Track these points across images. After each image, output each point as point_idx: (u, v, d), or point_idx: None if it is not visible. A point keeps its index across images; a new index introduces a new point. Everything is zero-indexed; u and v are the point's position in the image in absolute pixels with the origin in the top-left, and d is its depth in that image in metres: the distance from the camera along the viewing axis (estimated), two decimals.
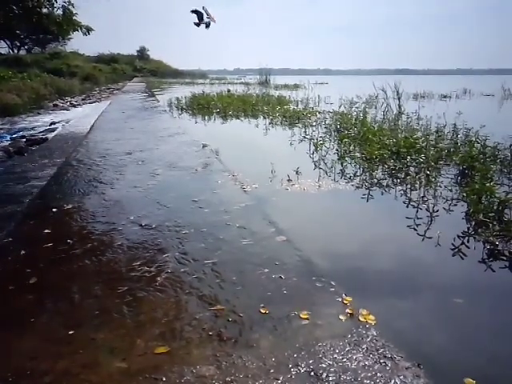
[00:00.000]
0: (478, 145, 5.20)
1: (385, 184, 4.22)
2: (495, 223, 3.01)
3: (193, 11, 8.97)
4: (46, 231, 2.78)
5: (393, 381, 1.42)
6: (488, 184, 3.50)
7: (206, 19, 8.80)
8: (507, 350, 1.85)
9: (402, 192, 3.96)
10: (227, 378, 1.42)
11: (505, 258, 2.63)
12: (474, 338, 1.93)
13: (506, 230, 2.86)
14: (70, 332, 1.69)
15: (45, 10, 14.04)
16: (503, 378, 1.68)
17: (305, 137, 6.99)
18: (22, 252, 2.46)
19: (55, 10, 14.10)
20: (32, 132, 9.42)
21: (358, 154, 5.26)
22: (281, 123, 8.86)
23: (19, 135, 8.83)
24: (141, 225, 2.88)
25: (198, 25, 9.05)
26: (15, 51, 28.73)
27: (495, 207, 3.21)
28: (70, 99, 18.55)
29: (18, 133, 9.20)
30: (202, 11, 8.78)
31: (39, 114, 13.38)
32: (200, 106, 11.63)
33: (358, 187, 4.12)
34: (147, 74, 42.61)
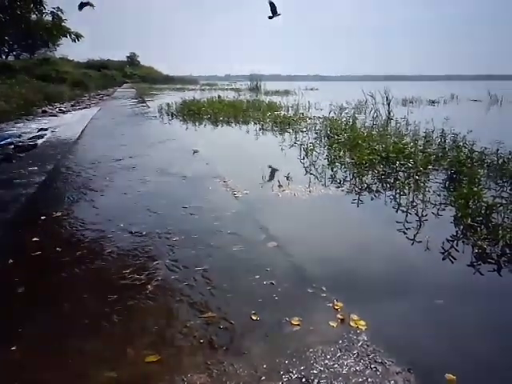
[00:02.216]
0: (466, 150, 5.28)
1: (374, 189, 4.25)
2: (483, 227, 3.05)
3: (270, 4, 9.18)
4: (35, 239, 2.74)
5: None
6: (475, 188, 3.55)
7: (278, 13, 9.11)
8: (498, 350, 1.87)
9: (392, 197, 3.99)
10: None
11: (493, 262, 2.67)
12: (464, 341, 1.94)
13: (494, 234, 2.90)
14: (59, 342, 1.67)
15: (34, 17, 13.97)
16: (487, 375, 1.70)
17: (295, 142, 7.02)
18: (10, 261, 2.42)
19: (44, 16, 14.04)
20: (20, 139, 9.32)
21: (347, 160, 5.30)
22: (271, 129, 8.89)
23: (7, 142, 8.72)
24: (131, 232, 2.86)
25: (271, 18, 9.30)
26: (3, 57, 28.45)
27: (483, 211, 3.26)
28: (59, 105, 18.39)
29: (6, 139, 9.09)
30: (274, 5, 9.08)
31: (28, 120, 13.23)
32: (191, 112, 11.62)
33: (348, 192, 4.15)
34: (137, 80, 42.54)
